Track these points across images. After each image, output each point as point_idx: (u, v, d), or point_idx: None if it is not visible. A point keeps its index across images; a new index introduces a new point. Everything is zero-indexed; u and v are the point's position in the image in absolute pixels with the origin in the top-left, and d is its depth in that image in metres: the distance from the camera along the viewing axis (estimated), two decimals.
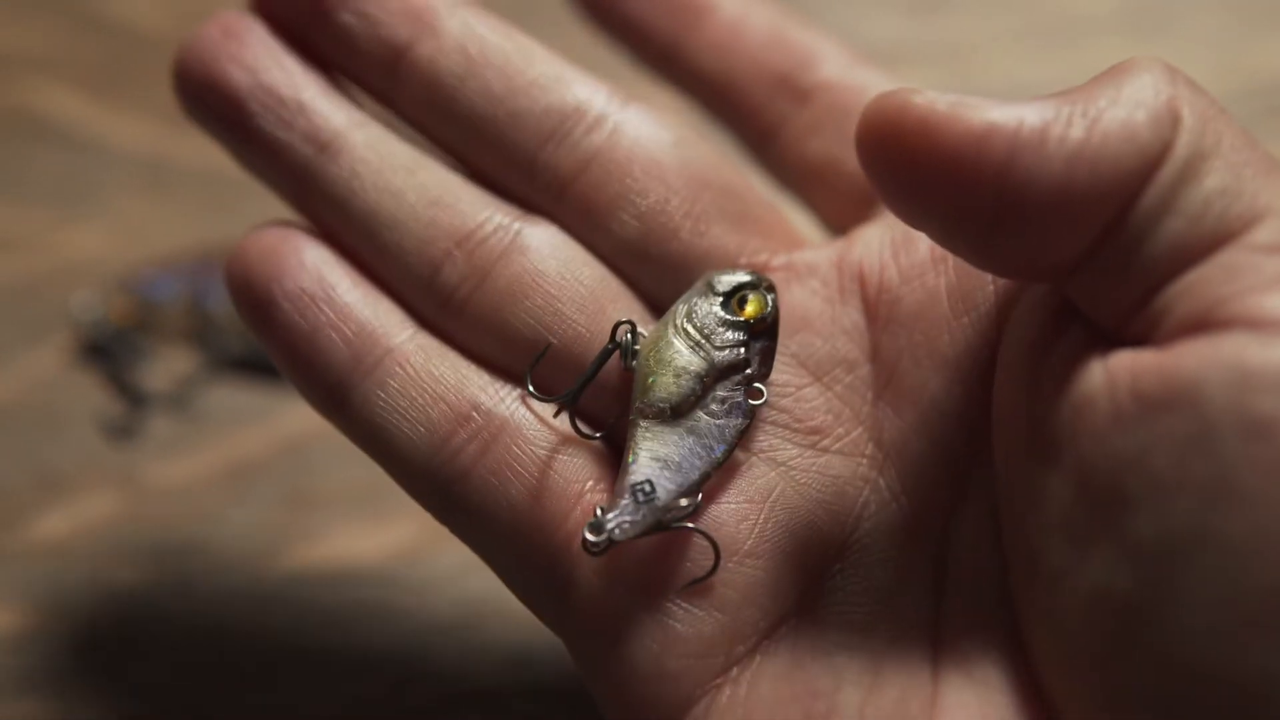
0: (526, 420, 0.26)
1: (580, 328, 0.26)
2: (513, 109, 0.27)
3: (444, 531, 0.31)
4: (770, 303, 0.26)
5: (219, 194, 0.42)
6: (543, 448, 0.25)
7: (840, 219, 0.28)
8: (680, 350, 0.26)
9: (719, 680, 0.23)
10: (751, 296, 0.26)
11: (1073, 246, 0.21)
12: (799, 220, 0.29)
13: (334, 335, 0.26)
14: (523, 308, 0.26)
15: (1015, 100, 0.21)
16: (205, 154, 0.42)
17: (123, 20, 0.47)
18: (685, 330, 0.26)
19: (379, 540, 0.34)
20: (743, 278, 0.26)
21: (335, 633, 0.32)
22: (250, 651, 0.32)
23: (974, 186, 0.21)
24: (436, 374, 0.26)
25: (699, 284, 0.26)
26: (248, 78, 0.28)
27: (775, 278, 0.27)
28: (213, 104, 0.28)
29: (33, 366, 0.38)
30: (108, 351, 0.38)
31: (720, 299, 0.26)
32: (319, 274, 0.27)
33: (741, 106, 0.29)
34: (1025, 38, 0.46)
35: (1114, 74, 0.22)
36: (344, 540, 0.34)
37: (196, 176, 0.42)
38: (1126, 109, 0.21)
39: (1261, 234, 0.20)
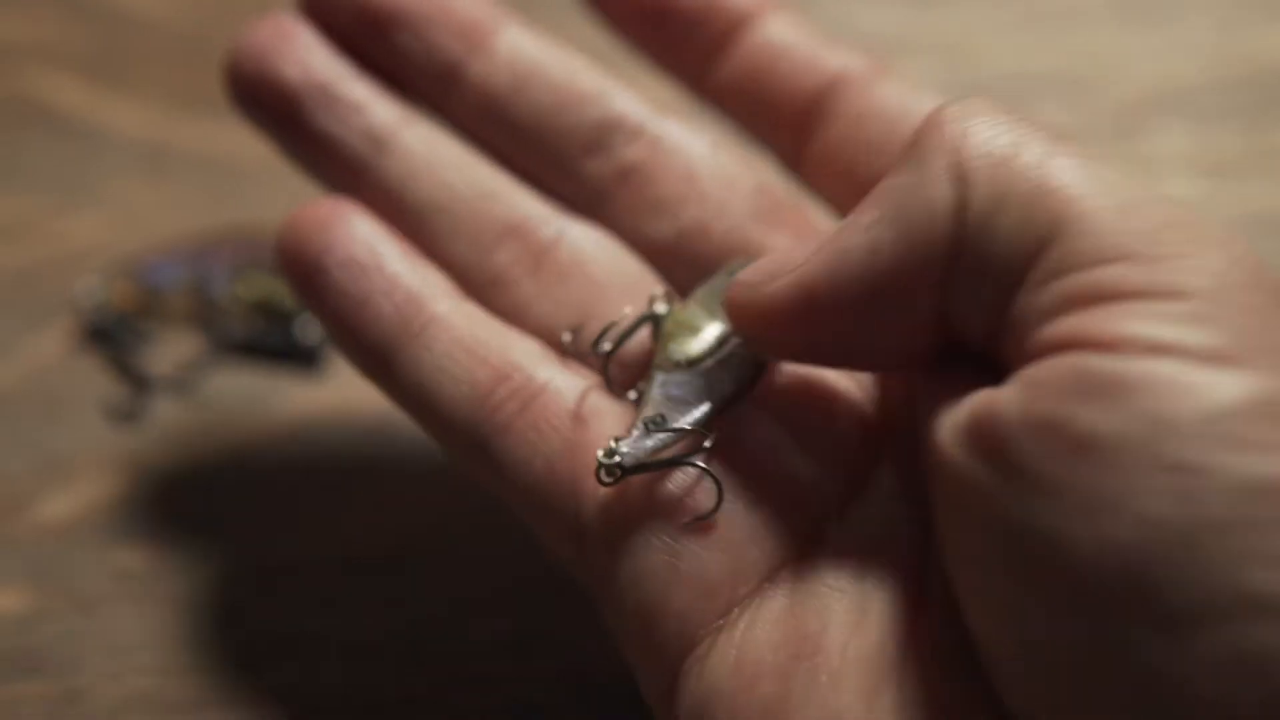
0: (564, 383, 0.27)
1: (626, 313, 0.28)
2: (559, 122, 0.30)
3: (442, 521, 0.32)
4: None
5: (218, 180, 0.42)
6: (579, 405, 0.27)
7: None
8: (699, 314, 0.27)
9: (721, 621, 0.24)
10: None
11: (916, 329, 0.23)
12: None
13: (382, 302, 0.28)
14: (571, 291, 0.28)
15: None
16: (205, 140, 0.42)
17: (121, 6, 0.47)
18: (705, 301, 0.27)
19: (381, 526, 0.34)
20: None
21: (337, 617, 0.32)
22: (256, 634, 0.32)
23: (817, 337, 0.24)
24: (481, 337, 0.28)
25: (721, 270, 0.28)
26: (302, 74, 0.30)
27: None
28: (267, 100, 0.30)
29: (36, 352, 0.38)
30: (111, 337, 0.38)
31: None
32: (369, 244, 0.29)
33: (770, 126, 0.31)
34: (1024, 28, 0.46)
35: (907, 156, 0.23)
36: (347, 526, 0.34)
37: (196, 163, 0.42)
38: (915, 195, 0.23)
39: (1066, 257, 0.21)
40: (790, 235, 0.29)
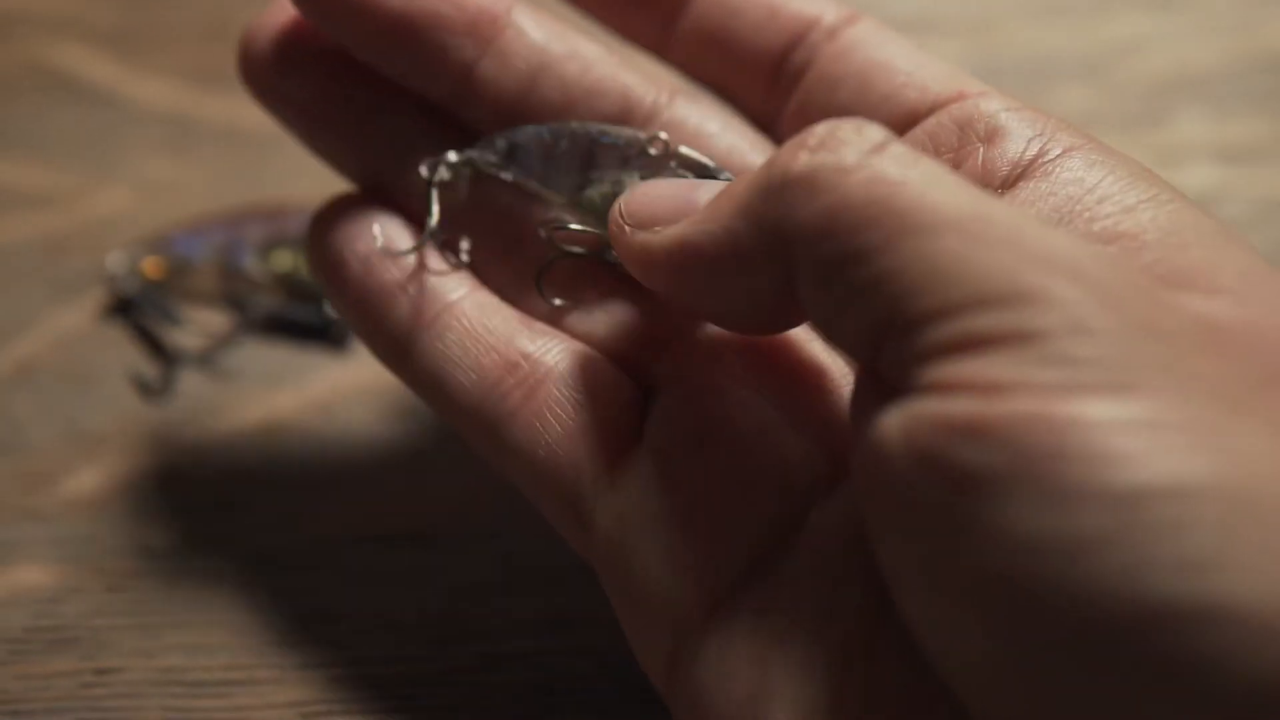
0: (568, 369, 0.28)
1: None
2: (574, 111, 0.30)
3: (480, 493, 0.32)
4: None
5: (242, 152, 0.42)
6: (581, 393, 0.28)
7: None
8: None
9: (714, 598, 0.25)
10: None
11: (775, 310, 0.25)
12: None
13: (399, 293, 0.29)
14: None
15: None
16: (228, 112, 0.42)
17: None
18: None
19: (412, 502, 0.34)
20: None
21: (372, 593, 0.33)
22: (284, 612, 0.32)
23: (683, 292, 0.26)
24: (490, 326, 0.29)
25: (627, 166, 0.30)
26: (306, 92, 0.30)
27: None
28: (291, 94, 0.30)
29: (64, 325, 0.38)
30: (140, 310, 0.38)
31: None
32: (388, 238, 0.30)
33: (738, 97, 0.31)
34: (1047, 12, 0.46)
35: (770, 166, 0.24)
36: (377, 503, 0.34)
37: (219, 136, 0.42)
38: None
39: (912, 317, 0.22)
40: None
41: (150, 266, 0.38)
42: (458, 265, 0.30)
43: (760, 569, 0.25)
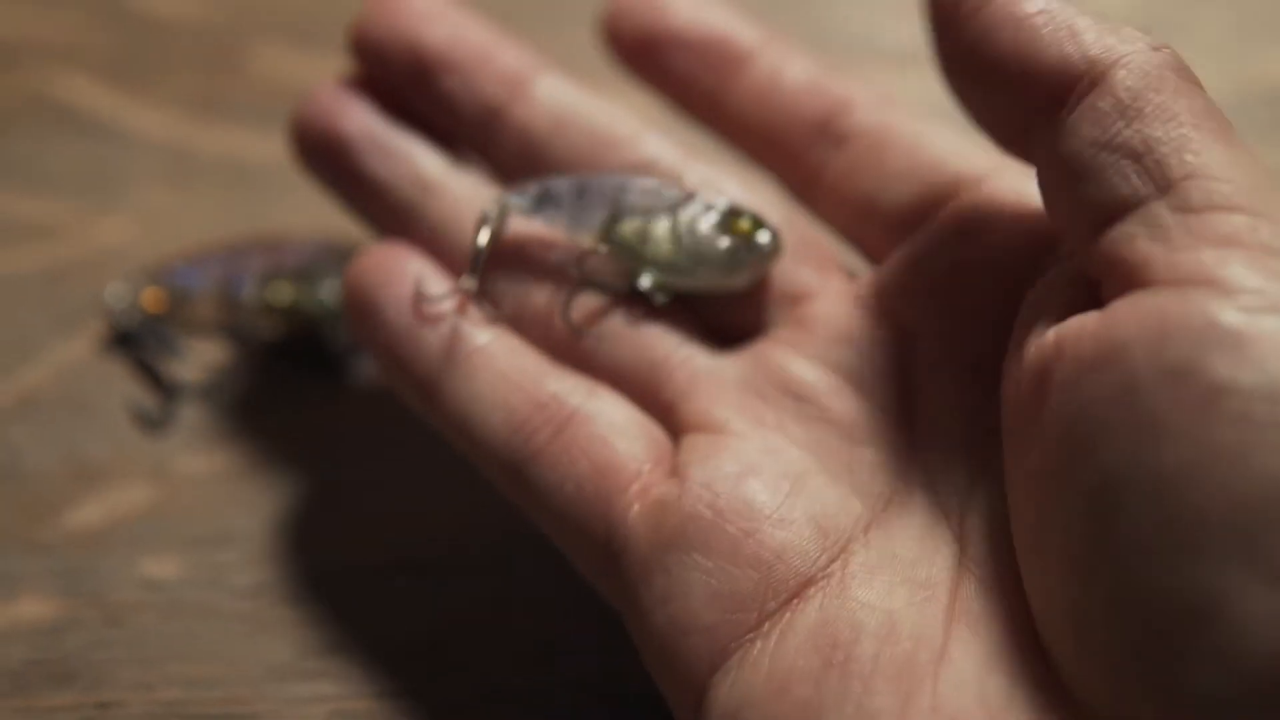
0: (594, 409, 0.29)
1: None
2: (595, 163, 0.31)
3: (481, 521, 0.32)
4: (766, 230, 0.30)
5: (240, 185, 0.42)
6: (607, 432, 0.29)
7: (881, 251, 0.31)
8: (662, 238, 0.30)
9: (752, 635, 0.26)
10: (748, 222, 0.30)
11: (1023, 107, 0.25)
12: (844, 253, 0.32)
13: (430, 337, 0.30)
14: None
15: None
16: (227, 143, 0.43)
17: (144, 10, 0.47)
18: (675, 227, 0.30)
19: (411, 531, 0.34)
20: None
21: (369, 624, 0.33)
22: (284, 641, 0.32)
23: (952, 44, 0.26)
24: (518, 367, 0.30)
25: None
26: (358, 127, 0.32)
27: (825, 301, 0.30)
28: (326, 150, 0.32)
29: (65, 356, 0.38)
30: (140, 341, 0.38)
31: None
32: (419, 283, 0.31)
33: (782, 154, 0.32)
34: None
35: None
36: (371, 532, 0.34)
37: (219, 166, 0.42)
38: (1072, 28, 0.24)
39: (1192, 193, 0.22)
40: (817, 270, 0.31)
41: (150, 298, 0.38)
42: (491, 316, 0.31)
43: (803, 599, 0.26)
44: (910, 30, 0.46)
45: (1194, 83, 0.24)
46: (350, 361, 0.37)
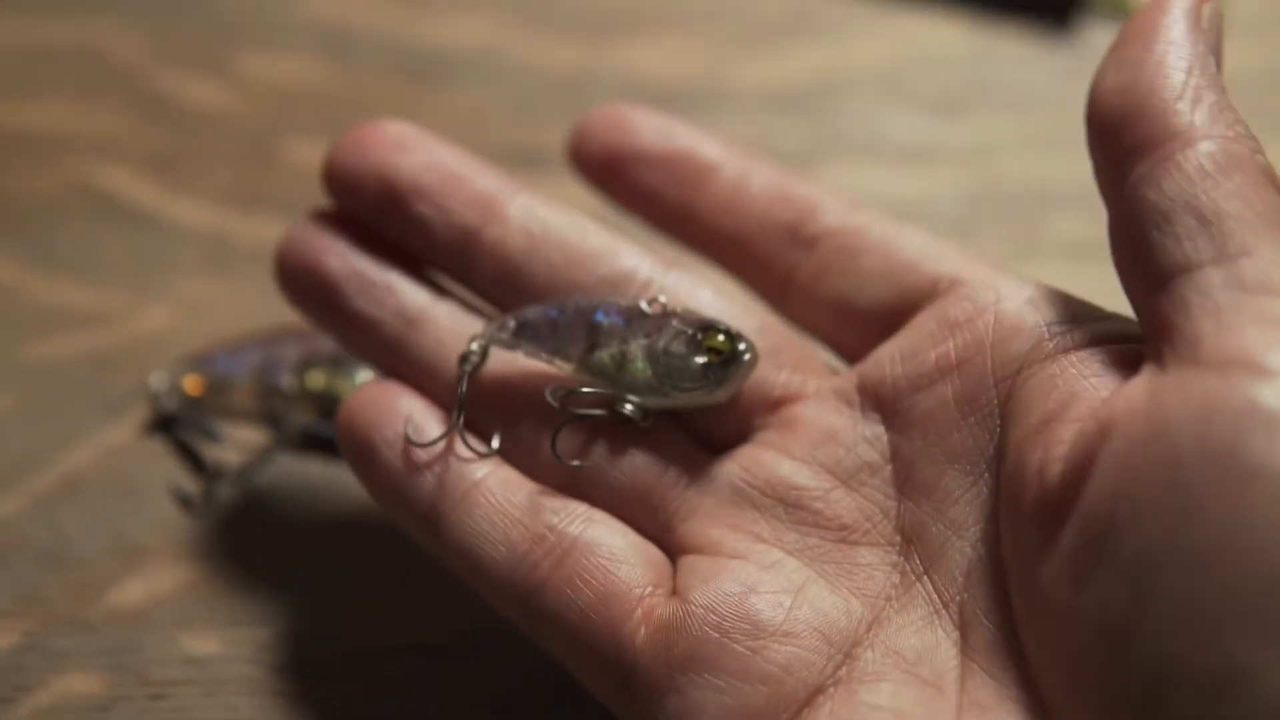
0: (593, 537, 0.30)
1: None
2: (572, 279, 0.32)
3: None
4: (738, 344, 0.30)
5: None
6: (607, 559, 0.29)
7: (858, 351, 0.32)
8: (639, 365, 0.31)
9: None
10: (721, 337, 0.30)
11: (1123, 145, 0.26)
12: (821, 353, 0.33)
13: (426, 474, 0.31)
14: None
15: None
16: (264, 233, 0.44)
17: (185, 106, 0.49)
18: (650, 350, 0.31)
19: (444, 614, 0.36)
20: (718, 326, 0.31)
21: (402, 704, 0.34)
22: (321, 716, 0.34)
23: None
24: (515, 501, 0.30)
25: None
26: (341, 264, 0.33)
27: (808, 402, 0.31)
28: (313, 288, 0.33)
29: (109, 439, 0.40)
30: (181, 426, 0.39)
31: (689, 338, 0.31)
32: (413, 421, 0.31)
33: (754, 259, 0.33)
34: (1042, 142, 0.48)
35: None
36: (405, 614, 0.36)
37: (255, 255, 0.44)
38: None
39: (1246, 271, 0.24)
40: (796, 371, 0.32)
41: (191, 384, 0.40)
42: (484, 453, 0.31)
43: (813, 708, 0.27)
44: (920, 127, 0.48)
45: (1272, 179, 0.25)
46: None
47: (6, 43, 0.50)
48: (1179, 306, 0.24)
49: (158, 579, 0.36)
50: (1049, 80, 0.50)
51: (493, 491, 0.30)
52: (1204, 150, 0.25)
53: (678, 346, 0.30)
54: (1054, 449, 0.25)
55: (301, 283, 0.33)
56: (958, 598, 0.27)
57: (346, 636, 0.35)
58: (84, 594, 0.36)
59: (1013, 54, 0.51)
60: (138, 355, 0.41)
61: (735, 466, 0.30)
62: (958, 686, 0.26)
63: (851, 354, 0.32)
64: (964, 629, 0.27)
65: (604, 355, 0.31)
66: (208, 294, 0.43)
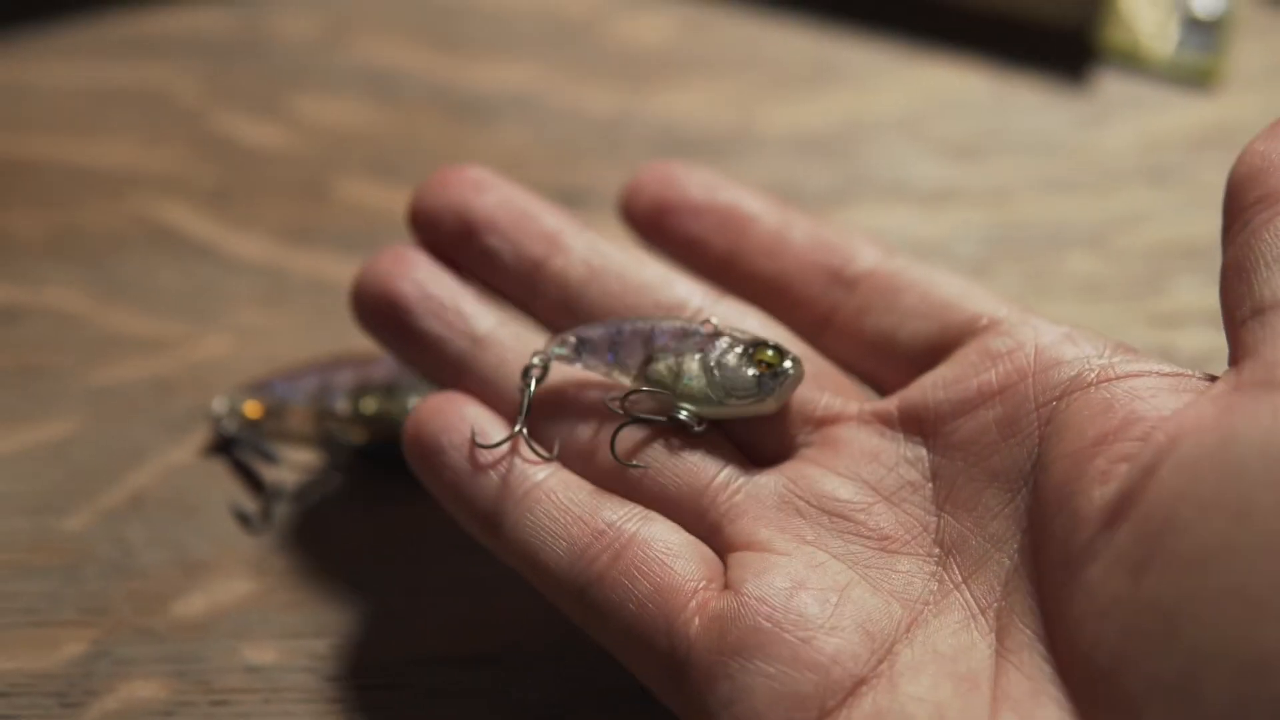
0: (650, 533, 0.31)
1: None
2: (628, 304, 0.35)
3: (549, 615, 0.35)
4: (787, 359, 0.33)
5: (328, 303, 0.45)
6: (664, 553, 0.31)
7: (895, 385, 0.34)
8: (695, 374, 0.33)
9: None
10: (770, 351, 0.33)
11: (1243, 199, 0.29)
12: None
13: (490, 474, 0.33)
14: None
15: None
16: (317, 266, 0.46)
17: (241, 143, 0.51)
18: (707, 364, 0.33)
19: (488, 624, 0.37)
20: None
21: (446, 713, 0.36)
22: None
23: None
24: (575, 499, 0.32)
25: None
26: (415, 289, 0.35)
27: (849, 424, 0.33)
28: (386, 310, 0.35)
29: (172, 459, 0.42)
30: (240, 448, 0.41)
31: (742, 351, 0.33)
32: (478, 426, 0.33)
33: (795, 299, 0.35)
34: (1057, 185, 0.49)
35: None
36: (453, 624, 0.38)
37: (308, 288, 0.46)
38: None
39: None
40: (836, 394, 0.34)
41: (251, 409, 0.42)
42: (547, 457, 0.33)
43: (857, 696, 0.29)
44: (940, 170, 0.50)
45: None
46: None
47: (77, 85, 0.52)
48: (1266, 335, 0.27)
49: (219, 591, 0.38)
50: (1064, 126, 0.51)
51: (554, 490, 0.32)
52: None
53: (730, 359, 0.33)
54: (1117, 461, 0.27)
55: (376, 304, 0.35)
56: (995, 605, 0.29)
57: (398, 647, 0.37)
58: (149, 605, 0.38)
59: (1029, 102, 0.52)
60: (197, 380, 0.43)
61: (781, 478, 0.32)
62: (992, 683, 0.28)
63: (888, 388, 0.34)
64: (1000, 633, 0.29)
65: (661, 366, 0.33)
66: (263, 323, 0.45)
